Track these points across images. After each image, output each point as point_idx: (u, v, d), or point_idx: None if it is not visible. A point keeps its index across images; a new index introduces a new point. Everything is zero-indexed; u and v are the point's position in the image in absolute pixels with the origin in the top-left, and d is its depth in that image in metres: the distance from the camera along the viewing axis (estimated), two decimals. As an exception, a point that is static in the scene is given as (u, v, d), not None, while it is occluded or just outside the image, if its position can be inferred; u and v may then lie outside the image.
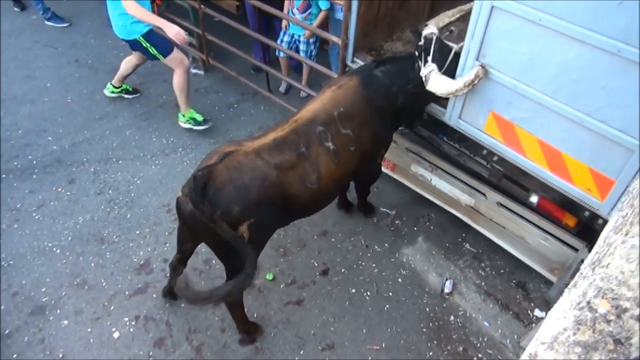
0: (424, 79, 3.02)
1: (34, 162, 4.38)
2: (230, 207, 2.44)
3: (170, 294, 3.37)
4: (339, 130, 2.89)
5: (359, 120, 2.99)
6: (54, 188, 4.17)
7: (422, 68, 3.03)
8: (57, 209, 4.00)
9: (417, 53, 3.10)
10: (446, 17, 3.29)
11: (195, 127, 4.77)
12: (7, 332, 3.18)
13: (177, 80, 4.48)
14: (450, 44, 3.08)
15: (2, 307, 3.30)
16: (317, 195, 2.85)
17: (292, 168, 2.67)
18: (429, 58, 3.02)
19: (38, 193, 4.11)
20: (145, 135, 4.79)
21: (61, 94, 5.19)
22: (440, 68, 3.01)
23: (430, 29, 3.10)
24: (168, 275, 3.37)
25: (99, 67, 5.60)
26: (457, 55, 2.98)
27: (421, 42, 3.08)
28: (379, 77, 3.11)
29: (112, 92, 5.09)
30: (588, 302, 1.20)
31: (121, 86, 5.09)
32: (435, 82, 2.98)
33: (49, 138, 4.65)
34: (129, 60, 4.83)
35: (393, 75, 3.13)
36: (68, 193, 4.14)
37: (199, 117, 4.75)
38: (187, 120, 4.75)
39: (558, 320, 1.21)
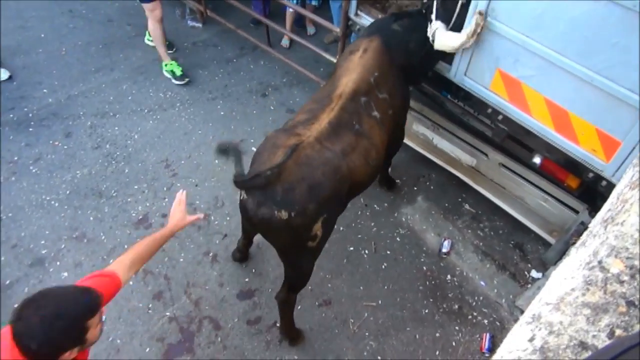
0: (430, 39, 2.93)
1: (30, 114, 4.31)
2: (304, 207, 2.30)
3: (241, 253, 3.45)
4: (378, 96, 2.74)
5: (391, 82, 2.85)
6: (51, 141, 4.11)
7: (429, 28, 2.94)
8: (54, 162, 3.96)
9: (425, 12, 2.99)
10: None
11: (173, 81, 4.75)
12: (7, 282, 3.21)
13: (150, 29, 4.57)
14: None
15: (2, 258, 3.31)
16: (375, 170, 2.75)
17: (354, 150, 2.52)
18: (432, 17, 2.91)
19: (35, 146, 4.06)
20: (142, 89, 4.68)
21: (55, 45, 5.05)
22: (447, 23, 2.90)
23: None
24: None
25: (93, 18, 5.43)
26: (465, 7, 2.87)
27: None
28: (398, 33, 2.94)
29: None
30: (599, 262, 1.13)
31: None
32: (441, 40, 2.88)
33: (44, 90, 4.55)
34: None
35: (411, 30, 2.97)
36: (65, 147, 4.09)
37: (178, 72, 4.72)
38: (167, 71, 4.77)
39: (565, 281, 1.14)
